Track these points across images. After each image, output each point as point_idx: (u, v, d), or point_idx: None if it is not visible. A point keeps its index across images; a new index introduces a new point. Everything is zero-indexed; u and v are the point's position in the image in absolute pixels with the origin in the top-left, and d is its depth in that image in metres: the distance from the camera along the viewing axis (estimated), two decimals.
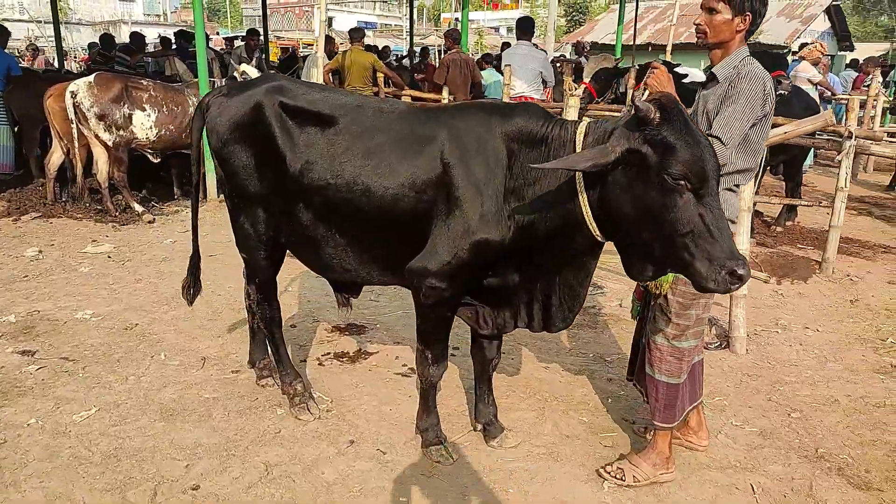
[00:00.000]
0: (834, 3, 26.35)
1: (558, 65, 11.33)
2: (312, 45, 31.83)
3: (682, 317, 2.97)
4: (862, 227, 8.06)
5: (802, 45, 11.99)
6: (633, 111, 2.36)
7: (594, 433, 3.47)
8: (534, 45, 7.73)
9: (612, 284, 5.73)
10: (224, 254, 6.08)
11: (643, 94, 2.92)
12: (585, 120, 2.65)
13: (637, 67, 6.76)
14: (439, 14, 49.35)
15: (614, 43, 15.11)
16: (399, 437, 3.34)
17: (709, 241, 2.27)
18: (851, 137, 6.06)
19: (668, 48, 11.87)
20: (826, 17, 25.89)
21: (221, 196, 8.44)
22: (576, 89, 6.73)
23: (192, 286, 3.68)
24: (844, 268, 6.36)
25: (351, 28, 9.72)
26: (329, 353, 4.32)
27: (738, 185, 2.94)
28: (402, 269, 2.93)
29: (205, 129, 3.31)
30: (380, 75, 9.43)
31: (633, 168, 2.36)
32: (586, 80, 7.31)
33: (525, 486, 3.01)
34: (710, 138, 2.72)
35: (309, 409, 3.48)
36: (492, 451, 3.24)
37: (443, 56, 10.53)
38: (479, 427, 3.37)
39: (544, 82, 7.87)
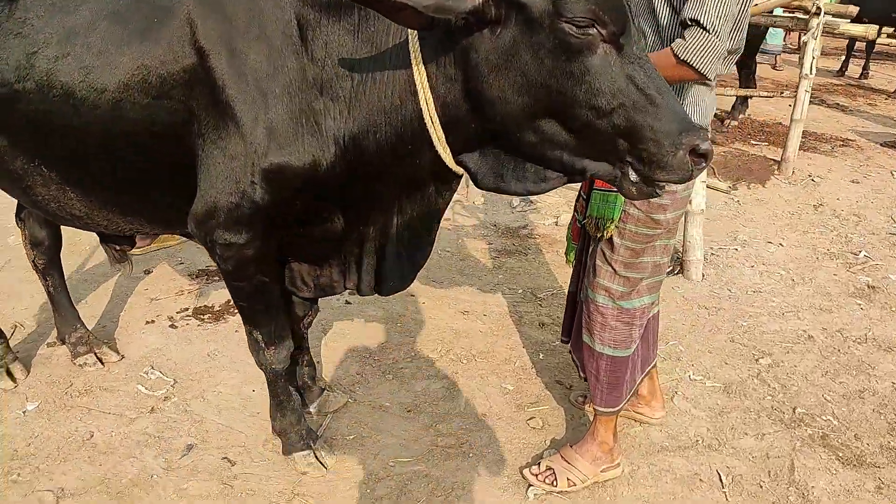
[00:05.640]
0: None
1: None
2: None
3: (634, 268, 2.12)
4: (816, 119, 7.34)
5: None
6: None
7: (519, 408, 2.69)
8: None
9: (546, 197, 4.85)
10: None
11: None
12: None
13: None
14: None
15: None
16: (258, 436, 2.47)
17: (650, 113, 1.43)
18: (820, 14, 5.19)
19: None
20: None
21: None
22: None
23: None
24: (804, 167, 5.67)
25: None
26: (187, 309, 3.35)
27: (715, 77, 2.03)
28: (164, 215, 2.00)
29: None
30: None
31: (509, 29, 1.45)
32: None
33: (424, 501, 2.22)
34: (689, 29, 1.79)
35: (9, 376, 2.69)
36: (381, 452, 2.42)
37: None
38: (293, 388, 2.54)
39: None
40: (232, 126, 1.68)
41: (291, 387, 2.57)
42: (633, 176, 1.52)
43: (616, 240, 2.09)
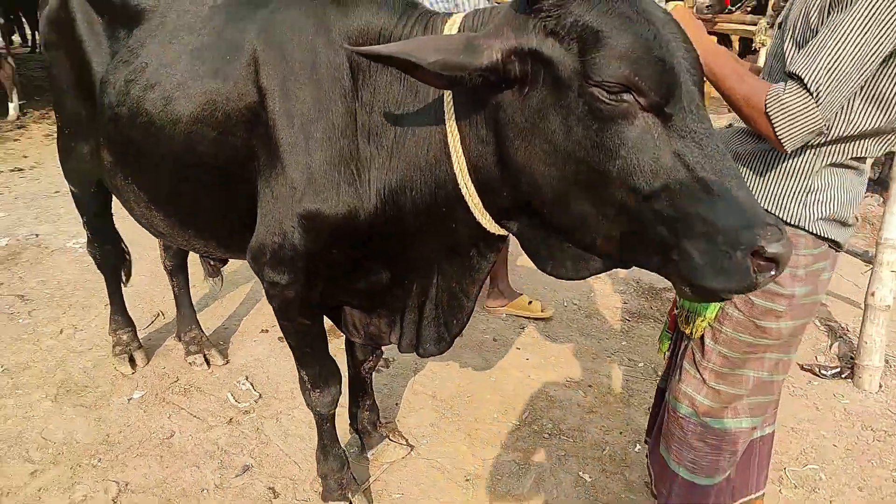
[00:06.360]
0: None
1: None
2: None
3: (728, 381, 1.73)
4: None
5: None
6: None
7: None
8: None
9: None
10: None
11: None
12: (459, 14, 1.52)
13: None
14: None
15: None
16: (310, 472, 2.44)
17: (702, 201, 1.16)
18: None
19: None
20: None
21: None
22: None
23: None
24: None
25: None
26: None
27: (861, 159, 1.58)
28: (233, 244, 2.03)
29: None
30: None
31: (538, 89, 1.26)
32: None
33: None
34: (789, 83, 1.42)
35: (130, 362, 2.98)
36: None
37: None
38: (353, 431, 2.57)
39: None
40: (279, 167, 1.67)
41: (352, 429, 2.53)
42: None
43: (708, 342, 1.73)
